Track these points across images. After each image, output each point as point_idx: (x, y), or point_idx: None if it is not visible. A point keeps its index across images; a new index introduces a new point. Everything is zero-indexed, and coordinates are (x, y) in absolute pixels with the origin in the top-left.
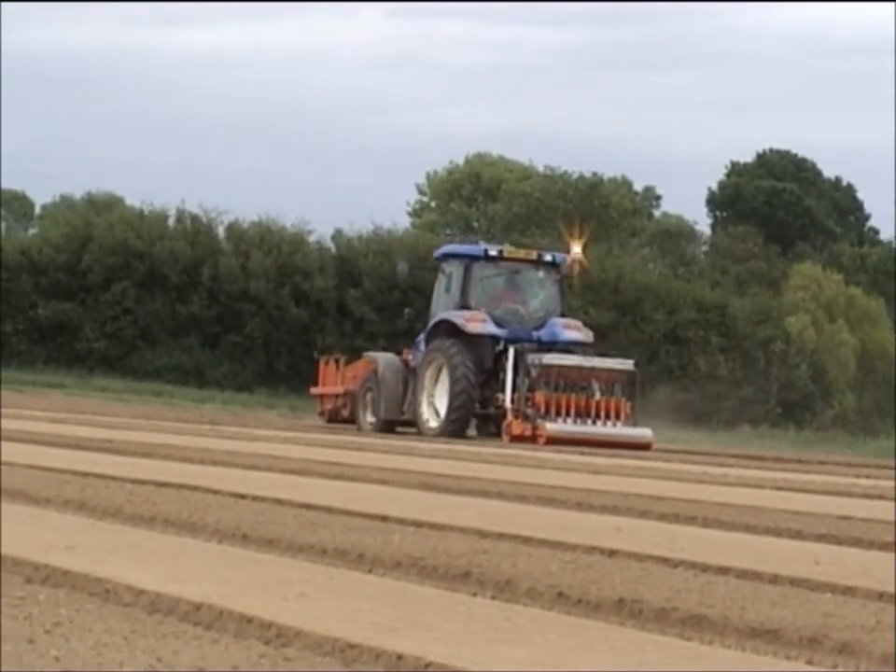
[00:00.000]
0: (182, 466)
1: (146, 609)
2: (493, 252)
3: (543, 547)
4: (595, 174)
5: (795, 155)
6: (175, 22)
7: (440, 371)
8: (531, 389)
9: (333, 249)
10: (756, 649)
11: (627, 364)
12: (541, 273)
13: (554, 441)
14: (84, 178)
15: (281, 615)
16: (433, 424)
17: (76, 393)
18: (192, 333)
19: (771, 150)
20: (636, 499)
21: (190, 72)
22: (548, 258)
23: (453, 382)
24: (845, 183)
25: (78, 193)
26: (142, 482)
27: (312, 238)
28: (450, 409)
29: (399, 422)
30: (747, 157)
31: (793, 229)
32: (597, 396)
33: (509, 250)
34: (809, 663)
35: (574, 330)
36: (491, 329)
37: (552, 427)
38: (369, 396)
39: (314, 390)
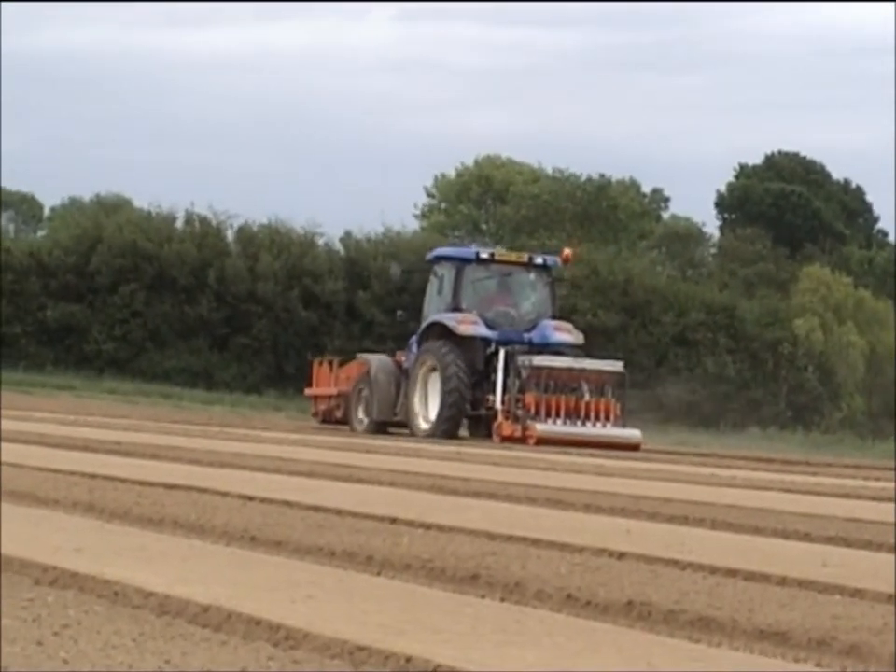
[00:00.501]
0: (190, 468)
1: (154, 610)
2: (484, 255)
3: (552, 549)
4: (603, 176)
5: (804, 157)
6: (185, 24)
7: (431, 372)
8: (521, 390)
9: (342, 251)
10: (764, 651)
11: (616, 366)
12: (532, 276)
13: (544, 441)
14: (93, 181)
15: (289, 617)
16: (425, 425)
17: (84, 395)
18: (201, 335)
19: (779, 152)
20: (644, 501)
21: (199, 74)
22: (539, 260)
23: (444, 383)
24: (853, 185)
25: (87, 195)
26: (150, 484)
27: (321, 240)
28: (441, 410)
29: (392, 423)
30: (755, 159)
31: (802, 231)
32: (587, 397)
33: (500, 253)
34: (818, 665)
35: (564, 333)
36: (482, 330)
37: (541, 427)
38: (361, 397)
39: (308, 391)
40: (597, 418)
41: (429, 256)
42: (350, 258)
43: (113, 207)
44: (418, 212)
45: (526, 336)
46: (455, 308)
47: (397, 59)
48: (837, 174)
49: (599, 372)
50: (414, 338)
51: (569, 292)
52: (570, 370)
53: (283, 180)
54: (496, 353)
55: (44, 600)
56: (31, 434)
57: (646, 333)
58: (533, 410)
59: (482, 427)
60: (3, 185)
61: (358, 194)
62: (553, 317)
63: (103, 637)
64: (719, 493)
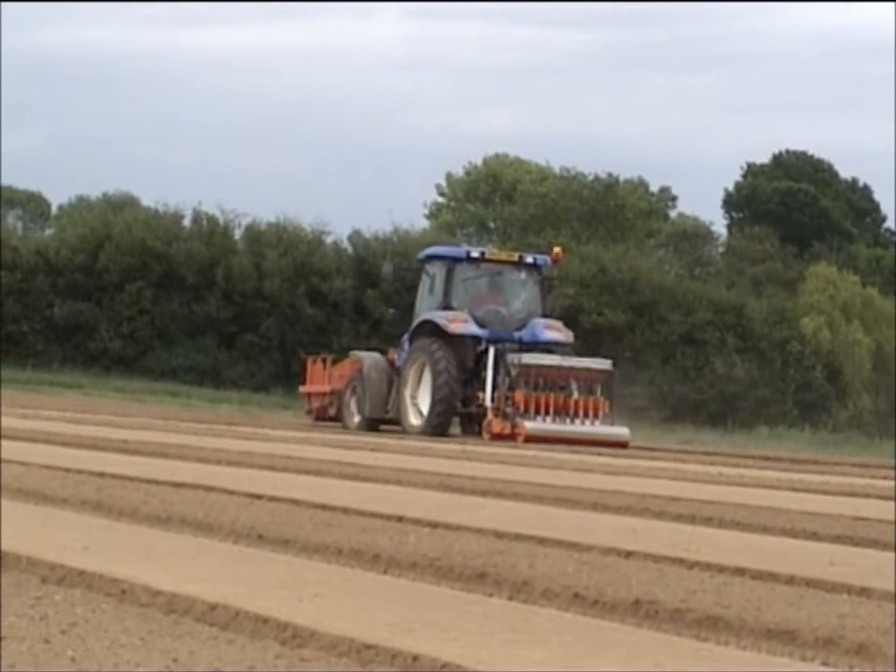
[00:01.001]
0: (198, 466)
1: (162, 609)
2: (475, 254)
3: (559, 548)
4: (610, 174)
5: (811, 156)
6: (192, 23)
7: (423, 370)
8: (511, 388)
9: (351, 250)
10: (772, 650)
11: (605, 364)
12: (523, 275)
13: (533, 439)
14: (100, 179)
15: (297, 615)
16: (416, 422)
17: (92, 393)
18: (208, 333)
19: (787, 151)
20: (652, 500)
21: (208, 73)
22: (529, 259)
23: (435, 381)
24: (861, 184)
25: (95, 194)
26: (158, 482)
27: (329, 239)
28: (432, 407)
29: (384, 420)
30: (763, 158)
31: (809, 230)
32: (575, 395)
33: (490, 252)
34: (825, 664)
35: (554, 331)
36: (473, 329)
37: (530, 425)
38: (354, 395)
39: (301, 389)
40: (586, 416)
41: (421, 255)
42: (358, 256)
43: (121, 205)
44: (427, 211)
45: (517, 334)
46: (446, 307)
47: (405, 58)
48: (845, 172)
49: (588, 370)
50: (406, 336)
51: (577, 291)
52: (559, 368)
53: (291, 179)
54: (486, 351)
55: (51, 598)
56: (38, 432)
57: (653, 332)
58: (522, 407)
59: (473, 424)
60: (11, 183)
61: (367, 193)
62: (544, 316)
63: (110, 635)
64: (726, 492)
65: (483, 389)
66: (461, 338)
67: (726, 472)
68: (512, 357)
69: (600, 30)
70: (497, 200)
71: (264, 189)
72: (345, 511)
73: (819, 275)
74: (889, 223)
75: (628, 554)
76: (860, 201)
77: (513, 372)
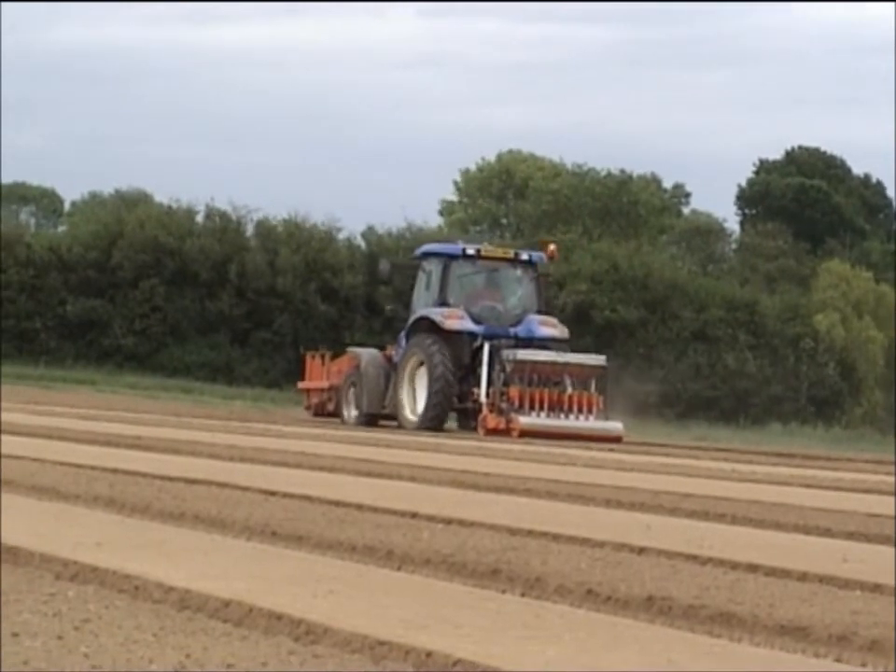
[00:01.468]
0: (211, 462)
1: (175, 605)
2: (471, 251)
3: (572, 544)
4: (623, 171)
5: (824, 152)
6: (207, 21)
7: (419, 366)
8: (506, 384)
9: (364, 246)
10: (785, 646)
11: (599, 360)
12: (519, 272)
13: (527, 434)
14: (113, 175)
15: (310, 612)
16: (412, 417)
17: (105, 390)
18: (221, 330)
19: (800, 147)
20: (665, 496)
21: (221, 70)
22: (524, 256)
23: (431, 376)
24: (874, 180)
25: (108, 190)
26: (171, 478)
27: (342, 235)
28: (428, 403)
29: (381, 415)
30: (776, 154)
31: (822, 226)
32: (569, 390)
33: (486, 249)
34: (838, 660)
35: (550, 327)
36: (469, 325)
37: (525, 420)
38: (352, 390)
39: (300, 385)
40: (580, 411)
41: (417, 252)
42: (371, 252)
43: (134, 202)
44: (440, 207)
45: (512, 330)
46: (443, 303)
47: (419, 55)
48: (858, 168)
49: (582, 366)
50: (403, 332)
51: (589, 287)
52: (554, 363)
53: (305, 176)
54: (481, 347)
55: (65, 595)
56: (52, 429)
57: (666, 329)
58: (517, 403)
59: (469, 419)
60: (24, 180)
61: (380, 190)
62: (539, 312)
63: (124, 631)
64: (739, 488)
65: (479, 385)
66: (457, 334)
67: (739, 469)
68: (507, 353)
69: (614, 27)
70: (510, 196)
71: (277, 186)
72: (359, 507)
73: (832, 272)
74: None
75: (641, 551)
76: (873, 197)
77: (508, 368)
